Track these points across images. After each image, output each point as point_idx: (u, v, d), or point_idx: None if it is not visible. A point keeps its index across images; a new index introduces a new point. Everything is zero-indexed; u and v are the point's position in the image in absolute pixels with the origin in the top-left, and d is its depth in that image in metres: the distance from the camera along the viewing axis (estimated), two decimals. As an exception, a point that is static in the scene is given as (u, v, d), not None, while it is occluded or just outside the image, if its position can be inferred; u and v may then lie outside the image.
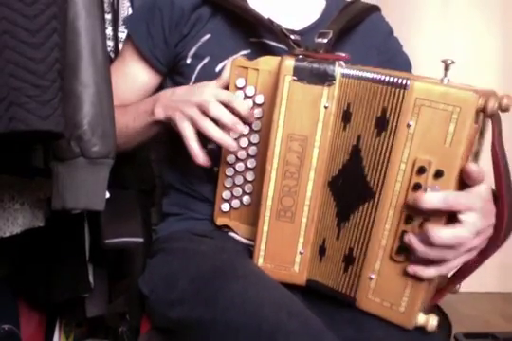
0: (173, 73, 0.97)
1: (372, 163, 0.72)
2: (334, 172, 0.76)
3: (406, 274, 0.70)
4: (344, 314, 0.77)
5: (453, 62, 0.69)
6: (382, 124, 0.70)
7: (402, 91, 0.68)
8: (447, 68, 0.69)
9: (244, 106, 0.81)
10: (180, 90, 0.86)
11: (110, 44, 1.17)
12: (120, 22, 1.19)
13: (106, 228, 0.88)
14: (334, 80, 0.73)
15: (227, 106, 0.81)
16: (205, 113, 0.80)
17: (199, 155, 0.83)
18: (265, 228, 0.78)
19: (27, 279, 1.26)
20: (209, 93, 0.81)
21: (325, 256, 0.78)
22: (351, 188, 0.74)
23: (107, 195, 0.81)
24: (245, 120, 0.82)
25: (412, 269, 0.69)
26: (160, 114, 0.86)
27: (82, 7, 0.74)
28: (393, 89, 0.69)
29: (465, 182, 0.67)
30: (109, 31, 1.17)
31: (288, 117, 0.75)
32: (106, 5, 1.15)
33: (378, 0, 1.05)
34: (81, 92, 0.75)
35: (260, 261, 0.80)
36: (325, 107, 0.74)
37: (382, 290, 0.73)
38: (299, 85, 0.73)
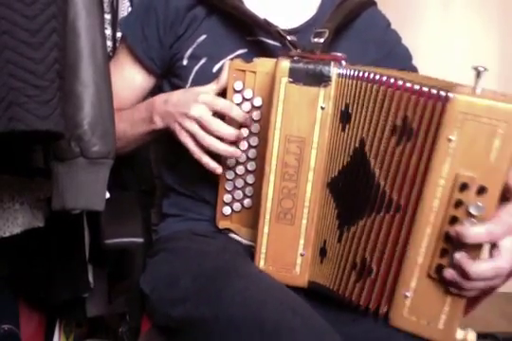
0: (169, 75, 0.97)
1: (391, 173, 0.70)
2: (333, 173, 0.75)
3: (444, 291, 0.68)
4: (347, 314, 0.77)
5: (486, 70, 0.65)
6: (404, 133, 0.68)
7: (441, 103, 0.65)
8: (478, 76, 0.65)
9: (238, 112, 0.81)
10: (173, 98, 0.85)
11: (109, 44, 1.17)
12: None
13: (106, 229, 0.88)
14: (330, 80, 0.72)
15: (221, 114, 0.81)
16: (204, 128, 0.81)
17: (217, 167, 0.83)
18: (266, 231, 0.78)
19: (27, 279, 1.26)
20: (203, 105, 0.81)
21: (326, 257, 0.78)
22: (355, 192, 0.73)
23: (107, 195, 0.81)
24: (243, 124, 0.83)
25: (457, 290, 0.67)
26: (159, 123, 0.86)
27: (82, 7, 0.74)
28: (426, 99, 0.66)
29: (503, 195, 0.65)
30: (108, 31, 1.16)
31: (285, 119, 0.74)
32: (106, 5, 1.15)
33: (378, 0, 1.04)
34: (81, 92, 0.75)
35: (261, 264, 0.80)
36: (322, 108, 0.73)
37: (419, 308, 0.71)
38: (295, 87, 0.73)
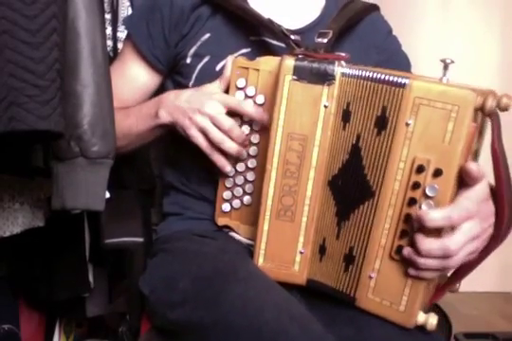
0: (173, 73, 0.97)
1: (372, 162, 0.72)
2: (334, 172, 0.76)
3: (406, 273, 0.70)
4: (344, 314, 0.77)
5: (452, 62, 0.69)
6: (382, 123, 0.70)
7: (401, 90, 0.68)
8: (446, 67, 0.69)
9: (253, 110, 0.82)
10: (185, 94, 0.86)
11: (109, 43, 1.17)
12: (120, 22, 1.19)
13: (106, 228, 0.88)
14: (334, 79, 0.73)
15: (235, 111, 0.82)
16: (216, 125, 0.81)
17: (226, 165, 0.84)
18: (266, 228, 0.78)
19: (27, 279, 1.26)
20: (217, 102, 0.82)
21: (325, 255, 0.78)
22: (351, 187, 0.74)
23: (107, 195, 0.81)
24: (257, 122, 0.83)
25: (414, 271, 0.69)
26: (165, 117, 0.86)
27: (82, 7, 0.74)
28: (392, 88, 0.69)
29: (463, 180, 0.67)
30: (108, 31, 1.17)
31: (288, 117, 0.75)
32: (106, 4, 1.15)
33: (379, 0, 1.05)
34: (80, 92, 0.75)
35: (260, 261, 0.80)
36: (325, 106, 0.74)
37: (382, 289, 0.73)
38: (299, 85, 0.73)
